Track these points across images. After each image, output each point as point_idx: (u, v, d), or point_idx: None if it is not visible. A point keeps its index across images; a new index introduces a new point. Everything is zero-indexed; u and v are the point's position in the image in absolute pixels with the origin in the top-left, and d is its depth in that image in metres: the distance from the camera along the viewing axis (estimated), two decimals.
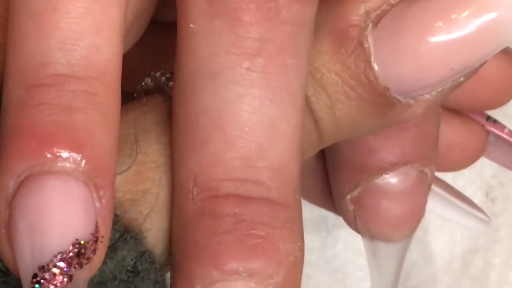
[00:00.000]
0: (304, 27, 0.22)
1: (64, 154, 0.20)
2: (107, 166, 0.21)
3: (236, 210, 0.21)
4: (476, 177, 0.42)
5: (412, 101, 0.24)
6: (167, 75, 0.24)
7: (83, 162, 0.20)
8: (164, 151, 0.23)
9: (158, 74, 0.25)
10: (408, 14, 0.23)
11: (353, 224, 0.30)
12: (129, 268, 0.22)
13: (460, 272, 0.42)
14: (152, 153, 0.23)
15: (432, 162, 0.29)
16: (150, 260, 0.22)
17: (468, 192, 0.39)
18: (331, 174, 0.30)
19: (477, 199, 0.42)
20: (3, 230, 0.20)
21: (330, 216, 0.41)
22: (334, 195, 0.30)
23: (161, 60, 0.25)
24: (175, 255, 0.22)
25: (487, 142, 0.32)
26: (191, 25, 0.22)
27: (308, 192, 0.32)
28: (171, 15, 0.24)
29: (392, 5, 0.23)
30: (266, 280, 0.21)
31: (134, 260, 0.22)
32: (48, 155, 0.20)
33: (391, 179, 0.28)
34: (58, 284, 0.19)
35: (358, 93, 0.23)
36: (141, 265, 0.22)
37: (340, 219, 0.41)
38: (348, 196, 0.29)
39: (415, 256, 0.42)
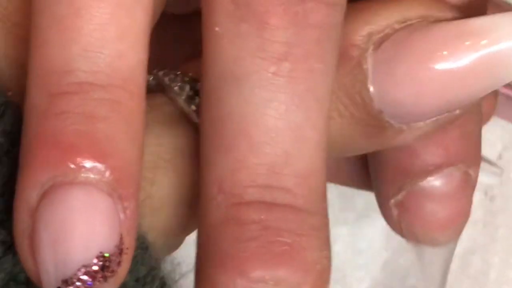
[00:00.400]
0: (332, 30, 0.22)
1: (88, 164, 0.20)
2: (131, 176, 0.20)
3: (262, 217, 0.21)
4: None
5: (404, 127, 0.24)
6: (171, 76, 0.24)
7: (107, 172, 0.20)
8: (163, 153, 0.23)
9: (161, 73, 0.24)
10: (410, 41, 0.23)
11: (398, 229, 0.29)
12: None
13: (459, 272, 0.42)
14: (153, 154, 0.23)
15: (476, 164, 0.28)
16: (145, 245, 0.22)
17: None
18: (374, 179, 0.29)
19: (476, 198, 0.42)
20: (26, 241, 0.20)
21: (329, 215, 0.41)
22: (378, 201, 0.29)
23: (163, 52, 0.25)
24: (199, 261, 0.22)
25: (496, 103, 0.32)
26: (216, 28, 0.22)
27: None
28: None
29: (396, 30, 0.23)
30: None
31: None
32: (71, 165, 0.20)
33: (436, 182, 0.28)
34: None
35: (351, 112, 0.23)
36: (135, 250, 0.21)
37: (339, 218, 0.41)
38: (392, 200, 0.28)
39: (415, 256, 0.42)
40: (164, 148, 0.23)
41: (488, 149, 0.42)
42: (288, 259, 0.21)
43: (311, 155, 0.22)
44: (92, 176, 0.20)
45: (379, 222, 0.39)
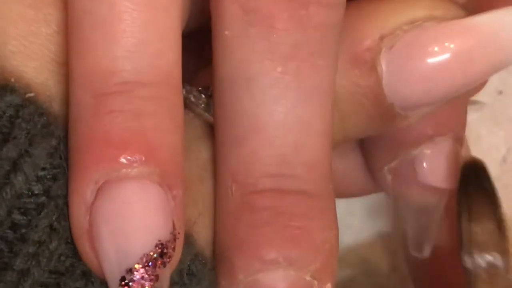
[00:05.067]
0: (334, 29, 0.24)
1: (139, 158, 0.22)
2: (178, 166, 0.22)
3: (274, 204, 0.24)
4: None
5: (410, 113, 0.27)
6: (194, 93, 0.26)
7: (156, 165, 0.22)
8: (204, 165, 0.25)
9: (183, 91, 0.26)
10: (420, 41, 0.25)
11: (391, 192, 0.32)
12: (185, 271, 0.23)
13: None
14: (195, 168, 0.25)
15: (463, 130, 0.32)
16: (203, 261, 0.24)
17: None
18: (368, 147, 0.32)
19: None
20: (85, 236, 0.22)
21: None
22: (371, 166, 0.32)
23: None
24: (217, 248, 0.24)
25: None
26: (226, 32, 0.24)
27: None
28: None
29: (405, 31, 0.26)
30: (305, 268, 0.24)
31: (189, 263, 0.23)
32: (124, 161, 0.21)
33: (427, 150, 0.31)
34: (146, 285, 0.20)
35: (366, 109, 0.26)
36: (196, 267, 0.24)
37: (343, 225, 0.42)
38: (386, 167, 0.31)
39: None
40: (202, 162, 0.25)
41: (492, 152, 0.43)
42: (300, 242, 0.24)
43: (318, 145, 0.24)
44: (143, 169, 0.22)
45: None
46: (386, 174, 0.31)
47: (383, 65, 0.25)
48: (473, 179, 0.31)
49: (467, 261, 0.30)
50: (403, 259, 0.39)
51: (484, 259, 0.30)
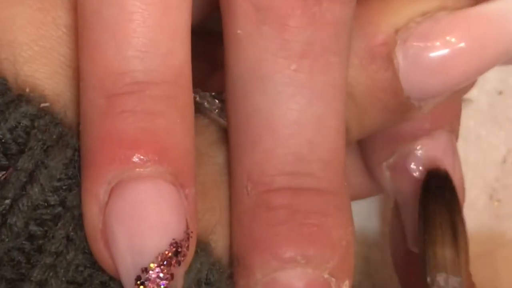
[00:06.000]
0: (346, 25, 0.24)
1: (151, 158, 0.22)
2: (189, 165, 0.23)
3: (290, 202, 0.24)
4: (479, 180, 0.44)
5: (423, 103, 0.27)
6: (208, 99, 0.26)
7: (170, 164, 0.22)
8: (220, 170, 0.25)
9: (196, 97, 0.26)
10: (434, 31, 0.26)
11: (391, 189, 0.32)
12: (203, 280, 0.23)
13: None
14: (211, 173, 0.25)
15: (458, 122, 0.32)
16: (221, 270, 0.24)
17: (471, 195, 0.40)
18: (366, 144, 0.32)
19: (481, 202, 0.43)
20: (99, 236, 0.22)
21: None
22: (369, 164, 0.32)
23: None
24: (234, 248, 0.24)
25: None
26: (238, 31, 0.24)
27: None
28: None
29: (418, 23, 0.26)
30: (323, 265, 0.24)
31: (207, 272, 0.24)
32: (137, 161, 0.22)
33: (425, 143, 0.31)
34: (162, 284, 0.20)
35: (384, 103, 0.26)
36: (213, 276, 0.24)
37: None
38: (385, 163, 0.31)
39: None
40: (218, 167, 0.25)
41: (492, 152, 0.43)
42: (317, 239, 0.24)
43: (332, 141, 0.24)
44: (156, 169, 0.22)
45: None
46: (385, 170, 0.32)
47: (399, 58, 0.26)
48: (434, 190, 0.31)
49: (428, 280, 0.30)
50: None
51: (439, 280, 0.30)
